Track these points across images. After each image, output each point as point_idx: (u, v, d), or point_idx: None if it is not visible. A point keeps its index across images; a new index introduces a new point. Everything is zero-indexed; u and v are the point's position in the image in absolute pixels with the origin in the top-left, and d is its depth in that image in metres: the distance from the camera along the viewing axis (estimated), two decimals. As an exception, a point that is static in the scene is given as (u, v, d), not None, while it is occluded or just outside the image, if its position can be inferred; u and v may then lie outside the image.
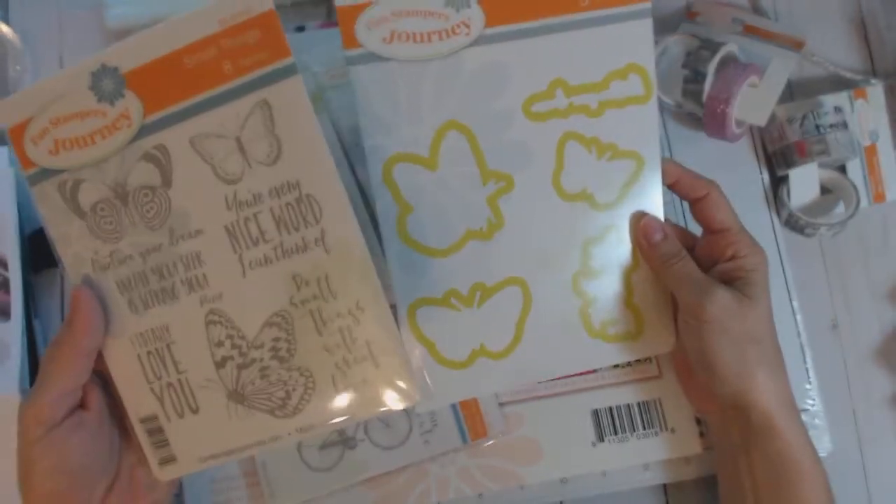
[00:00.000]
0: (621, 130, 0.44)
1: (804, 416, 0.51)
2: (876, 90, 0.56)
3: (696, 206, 0.45)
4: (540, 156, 0.44)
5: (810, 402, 0.51)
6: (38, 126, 0.37)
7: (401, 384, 0.39)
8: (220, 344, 0.38)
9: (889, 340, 0.53)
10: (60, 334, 0.38)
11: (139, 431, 0.40)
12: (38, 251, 0.53)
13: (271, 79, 0.36)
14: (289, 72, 0.36)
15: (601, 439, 0.50)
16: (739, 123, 0.53)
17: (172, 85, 0.36)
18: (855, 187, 0.53)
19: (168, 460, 0.40)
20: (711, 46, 0.53)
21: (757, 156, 0.56)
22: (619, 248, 0.45)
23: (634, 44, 0.43)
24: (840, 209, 0.54)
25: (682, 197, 0.46)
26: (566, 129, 0.44)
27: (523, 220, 0.44)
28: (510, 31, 0.41)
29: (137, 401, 0.40)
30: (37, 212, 0.38)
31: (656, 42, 0.55)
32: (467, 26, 0.39)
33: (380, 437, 0.49)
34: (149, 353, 0.39)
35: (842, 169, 0.55)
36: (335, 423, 0.39)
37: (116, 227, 0.38)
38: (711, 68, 0.52)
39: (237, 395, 0.39)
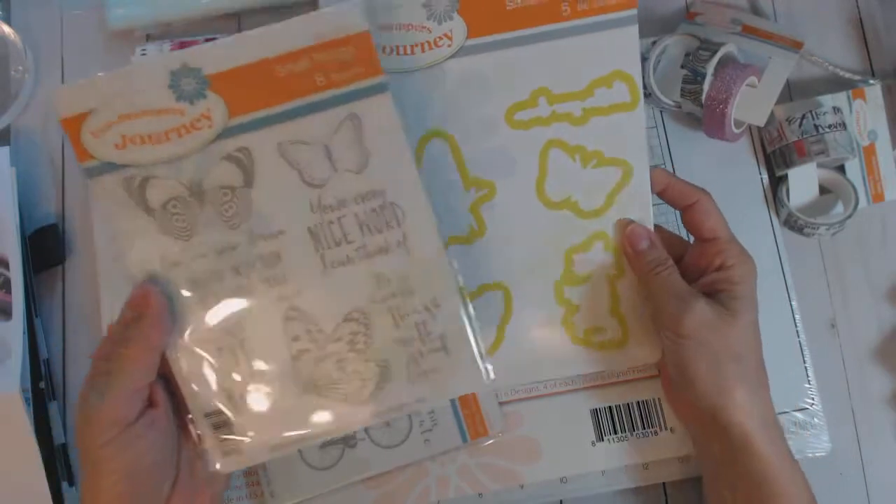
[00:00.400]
0: (607, 138, 0.44)
1: (803, 416, 0.51)
2: (874, 90, 0.56)
3: (686, 214, 0.45)
4: (523, 164, 0.44)
5: (809, 401, 0.51)
6: (102, 119, 0.37)
7: (469, 371, 0.41)
8: (296, 338, 0.40)
9: (888, 340, 0.54)
10: (129, 332, 0.37)
11: (203, 426, 0.40)
12: (38, 251, 0.53)
13: (363, 94, 0.38)
14: (380, 89, 0.38)
15: (601, 438, 0.50)
16: (738, 123, 0.53)
17: (261, 91, 0.37)
18: (854, 187, 0.53)
19: (232, 452, 0.40)
20: (710, 47, 0.53)
21: (756, 156, 0.56)
22: (605, 255, 0.45)
23: (619, 51, 0.43)
24: (839, 209, 0.54)
25: (672, 205, 0.46)
26: (550, 137, 0.44)
27: (505, 227, 0.44)
28: (492, 41, 0.41)
29: (204, 396, 0.40)
30: (92, 205, 0.38)
31: (655, 42, 0.55)
32: (449, 38, 0.40)
33: (380, 436, 0.49)
34: (219, 349, 0.39)
35: (841, 169, 0.55)
36: (405, 407, 0.41)
37: (189, 225, 0.38)
38: (710, 68, 0.52)
39: (311, 386, 0.40)
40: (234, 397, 0.40)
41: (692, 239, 0.47)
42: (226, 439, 0.40)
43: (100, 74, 0.37)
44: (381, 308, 0.40)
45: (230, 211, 0.38)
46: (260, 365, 0.40)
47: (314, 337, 0.40)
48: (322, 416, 0.40)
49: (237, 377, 0.40)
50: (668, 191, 0.45)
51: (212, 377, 0.40)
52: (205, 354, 0.39)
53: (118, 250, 0.38)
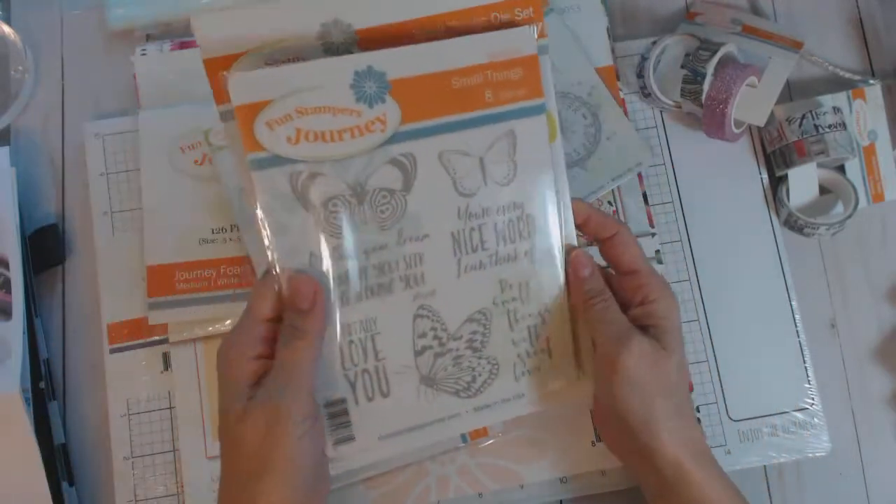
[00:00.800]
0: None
1: (803, 416, 0.51)
2: (874, 90, 0.56)
3: (605, 246, 0.44)
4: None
5: (809, 401, 0.52)
6: (280, 111, 0.37)
7: (566, 370, 0.44)
8: (422, 335, 0.41)
9: (888, 340, 0.54)
10: (301, 326, 0.38)
11: (324, 415, 0.41)
12: (38, 251, 0.53)
13: (522, 113, 0.40)
14: (538, 110, 0.40)
15: (601, 439, 0.50)
16: (738, 123, 0.53)
17: (435, 101, 0.39)
18: (854, 187, 0.53)
19: (345, 440, 0.41)
20: (710, 47, 0.53)
21: (756, 156, 0.56)
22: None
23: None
24: (839, 209, 0.54)
25: (591, 237, 0.45)
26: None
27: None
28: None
29: (326, 386, 0.40)
30: (258, 196, 0.37)
31: (655, 42, 0.55)
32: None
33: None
34: (351, 342, 0.40)
35: (840, 169, 0.55)
36: (508, 407, 0.43)
37: (344, 225, 0.39)
38: (710, 68, 0.52)
39: (428, 380, 0.42)
40: (357, 388, 0.41)
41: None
42: (341, 427, 0.41)
43: (282, 66, 0.37)
44: (501, 311, 0.42)
45: (385, 213, 0.39)
46: (385, 359, 0.41)
47: (438, 335, 0.41)
48: (433, 408, 0.42)
49: (362, 369, 0.41)
50: (587, 223, 0.44)
51: (339, 368, 0.40)
52: (336, 347, 0.40)
53: (269, 241, 0.38)
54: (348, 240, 0.39)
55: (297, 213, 0.38)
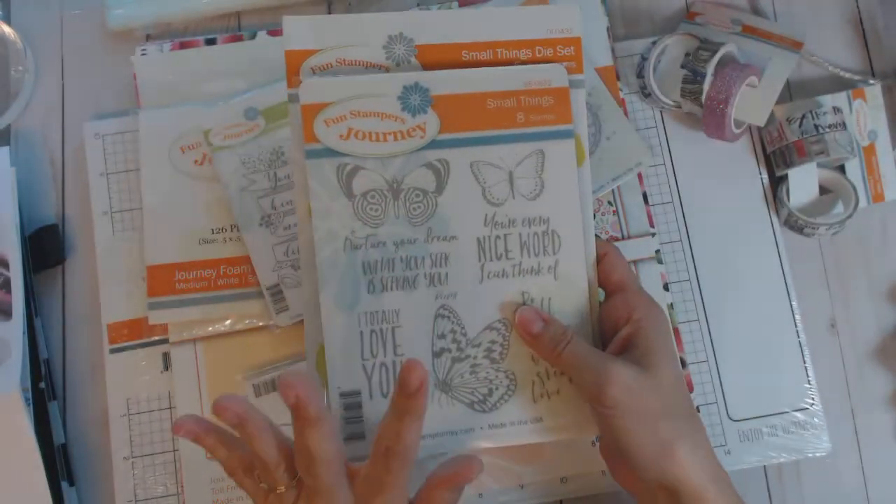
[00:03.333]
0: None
1: (803, 416, 0.51)
2: (874, 90, 0.56)
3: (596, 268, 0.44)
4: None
5: (809, 401, 0.52)
6: (337, 112, 0.42)
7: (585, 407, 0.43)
8: (442, 336, 0.43)
9: (888, 340, 0.54)
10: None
11: (335, 402, 0.42)
12: (38, 251, 0.53)
13: (551, 136, 0.44)
14: (566, 134, 0.44)
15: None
16: (738, 123, 0.53)
17: (471, 117, 0.43)
18: (854, 187, 0.53)
19: (356, 437, 0.42)
20: (710, 46, 0.53)
21: (756, 156, 0.56)
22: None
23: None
24: (839, 209, 0.54)
25: None
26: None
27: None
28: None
29: (344, 375, 0.42)
30: (309, 183, 0.42)
31: (656, 42, 0.55)
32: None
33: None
34: (372, 331, 0.42)
35: (841, 169, 0.55)
36: (524, 431, 0.43)
37: (380, 215, 0.43)
38: (710, 68, 0.52)
39: (444, 385, 0.43)
40: (372, 382, 0.42)
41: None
42: (353, 423, 0.42)
43: (346, 76, 0.43)
44: None
45: (417, 210, 0.43)
46: (403, 355, 0.42)
47: (457, 338, 0.43)
48: (446, 417, 0.43)
49: (380, 362, 0.42)
50: None
51: (357, 358, 0.42)
52: (358, 335, 0.42)
53: (313, 224, 0.42)
54: (381, 230, 0.43)
55: (339, 200, 0.43)
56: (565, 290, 0.43)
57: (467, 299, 0.43)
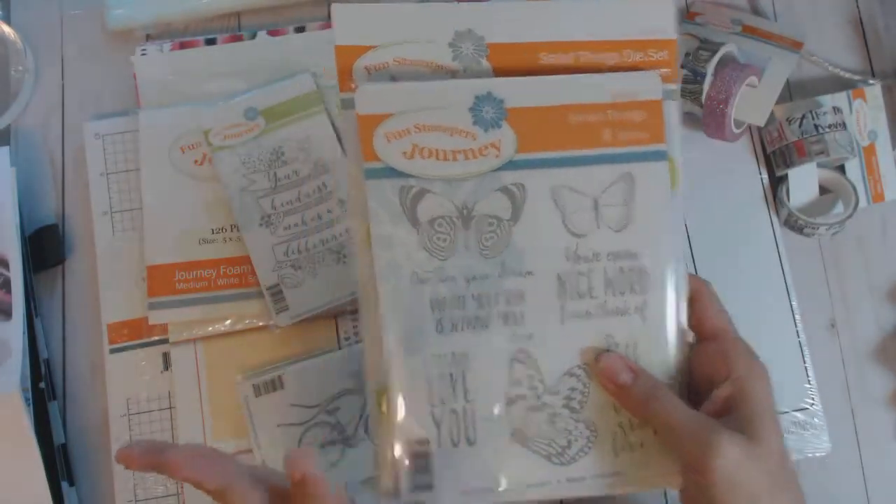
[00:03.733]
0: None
1: (803, 416, 0.51)
2: (874, 90, 0.56)
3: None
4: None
5: (809, 401, 0.52)
6: (399, 125, 0.37)
7: (673, 460, 0.38)
8: (517, 382, 0.38)
9: (887, 340, 0.54)
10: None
11: (401, 451, 0.37)
12: (38, 251, 0.53)
13: (642, 157, 0.38)
14: (659, 156, 0.38)
15: None
16: (738, 123, 0.53)
17: (551, 134, 0.38)
18: (854, 187, 0.53)
19: (423, 488, 0.38)
20: (710, 46, 0.53)
21: (756, 156, 0.56)
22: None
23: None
24: (839, 209, 0.54)
25: None
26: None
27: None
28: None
29: (413, 422, 0.38)
30: (369, 204, 0.37)
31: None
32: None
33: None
34: (440, 375, 0.38)
35: (841, 169, 0.55)
36: (604, 484, 0.39)
37: (448, 246, 0.38)
38: (710, 68, 0.52)
39: (520, 435, 0.38)
40: (442, 429, 0.38)
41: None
42: (421, 472, 0.38)
43: (407, 83, 0.37)
44: None
45: (490, 241, 0.38)
46: (475, 401, 0.38)
47: (534, 384, 0.38)
48: (521, 470, 0.38)
49: (450, 409, 0.38)
50: None
51: (425, 404, 0.38)
52: (425, 379, 0.38)
53: (374, 253, 0.37)
54: (450, 263, 0.38)
55: (402, 227, 0.37)
56: (653, 334, 0.39)
57: (545, 342, 0.38)
